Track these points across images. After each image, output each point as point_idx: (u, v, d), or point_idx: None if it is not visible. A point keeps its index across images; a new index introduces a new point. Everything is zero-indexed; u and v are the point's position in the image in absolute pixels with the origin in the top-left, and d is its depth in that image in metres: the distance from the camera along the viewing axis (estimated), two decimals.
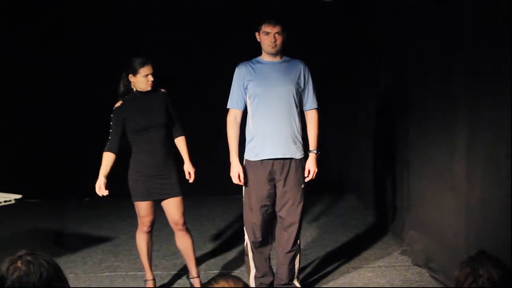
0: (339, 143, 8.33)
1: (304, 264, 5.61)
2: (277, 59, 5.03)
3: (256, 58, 5.07)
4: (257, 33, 5.01)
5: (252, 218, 5.02)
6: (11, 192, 5.23)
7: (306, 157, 5.07)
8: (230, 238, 6.54)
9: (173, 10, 8.07)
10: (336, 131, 8.22)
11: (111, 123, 5.03)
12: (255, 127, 4.98)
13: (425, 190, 5.54)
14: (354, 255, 6.01)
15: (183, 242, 5.19)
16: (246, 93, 5.00)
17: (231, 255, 6.10)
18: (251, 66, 5.02)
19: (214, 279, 2.34)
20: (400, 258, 5.90)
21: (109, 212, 7.55)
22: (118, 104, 5.05)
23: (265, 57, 5.04)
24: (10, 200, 5.10)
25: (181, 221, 5.13)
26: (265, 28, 4.96)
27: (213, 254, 6.15)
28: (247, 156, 5.04)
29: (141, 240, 5.18)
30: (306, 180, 5.06)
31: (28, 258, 2.34)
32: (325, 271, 5.64)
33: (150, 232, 5.18)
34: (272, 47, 4.96)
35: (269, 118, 4.94)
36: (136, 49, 7.84)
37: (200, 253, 6.16)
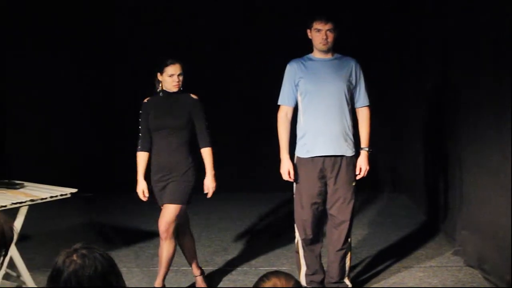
0: (391, 142, 8.25)
1: (355, 263, 5.59)
2: (329, 56, 5.02)
3: (308, 55, 5.06)
4: (308, 30, 5.01)
5: (303, 215, 5.02)
6: (67, 186, 5.32)
7: (357, 154, 5.05)
8: (281, 235, 6.55)
9: (221, 8, 8.08)
10: (388, 130, 8.15)
11: (140, 119, 5.03)
12: (306, 124, 4.98)
13: (478, 190, 5.46)
14: (405, 254, 5.95)
15: (162, 250, 4.97)
16: (297, 90, 5.01)
17: (281, 252, 6.11)
18: (302, 63, 5.02)
19: (266, 276, 2.35)
20: (452, 258, 5.83)
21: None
22: (146, 100, 5.05)
23: (316, 54, 5.03)
24: (66, 194, 5.20)
25: (164, 228, 4.89)
26: (317, 25, 4.95)
27: (263, 251, 6.16)
28: (298, 153, 5.04)
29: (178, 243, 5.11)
30: (357, 178, 5.04)
31: (84, 251, 2.38)
32: (376, 270, 5.61)
33: (184, 234, 5.11)
34: (324, 44, 4.95)
35: (320, 115, 4.93)
36: (188, 46, 7.93)
37: (250, 249, 6.19)
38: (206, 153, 5.00)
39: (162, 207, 5.00)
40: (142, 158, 5.02)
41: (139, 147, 5.03)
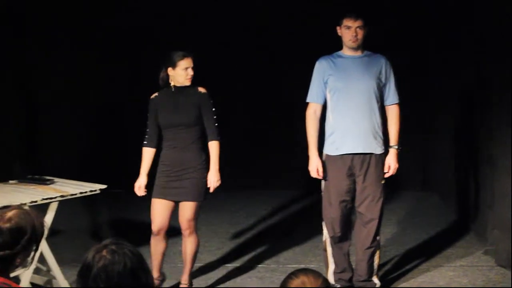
0: (421, 140, 8.19)
1: (383, 261, 5.55)
2: (358, 53, 5.00)
3: (337, 52, 5.05)
4: (338, 27, 4.99)
5: (331, 213, 5.00)
6: (96, 182, 5.36)
7: (386, 152, 5.02)
8: (309, 233, 6.54)
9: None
10: (417, 127, 8.08)
11: (148, 114, 4.97)
12: (335, 121, 4.96)
13: (510, 189, 5.39)
14: (435, 253, 5.90)
15: (185, 247, 5.00)
16: (326, 87, 4.99)
17: (309, 249, 6.10)
18: (331, 60, 5.00)
19: (294, 273, 2.35)
20: (483, 258, 5.76)
21: None
22: (153, 96, 4.96)
23: (346, 52, 5.01)
24: (95, 190, 5.24)
25: (186, 226, 4.91)
26: (347, 22, 4.93)
27: (291, 248, 6.15)
28: (327, 150, 5.02)
29: (152, 243, 5.01)
30: (386, 175, 5.01)
31: (113, 247, 2.40)
32: (405, 268, 5.57)
33: (162, 236, 4.99)
34: (353, 42, 4.93)
35: (349, 112, 4.91)
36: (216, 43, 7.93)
37: (278, 246, 6.18)
38: (214, 147, 4.91)
39: (153, 201, 4.92)
40: (148, 154, 4.97)
41: (145, 142, 4.99)
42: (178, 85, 4.90)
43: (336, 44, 5.03)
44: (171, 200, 4.93)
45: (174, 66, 4.84)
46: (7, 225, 2.73)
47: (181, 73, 4.84)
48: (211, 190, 4.90)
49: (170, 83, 4.90)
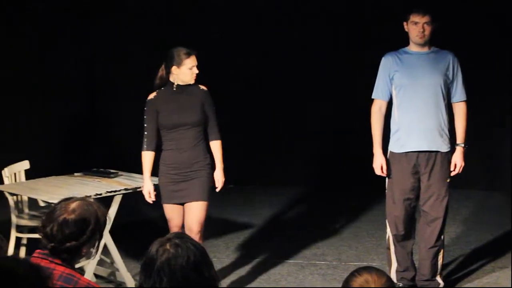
0: (487, 138, 8.01)
1: (447, 261, 5.45)
2: (425, 49, 4.91)
3: (404, 49, 4.97)
4: (405, 23, 4.91)
5: (394, 211, 4.93)
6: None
7: (452, 150, 4.92)
8: (372, 231, 6.47)
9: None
10: (484, 125, 7.91)
11: (145, 116, 4.74)
12: (401, 118, 4.89)
13: None
14: (500, 254, 5.76)
15: None
16: (392, 84, 4.92)
17: (371, 247, 6.04)
18: (397, 56, 4.93)
19: (358, 271, 2.32)
20: None
21: (254, 199, 7.65)
22: (151, 96, 4.74)
23: (412, 48, 4.93)
24: (158, 184, 5.28)
25: (195, 228, 4.69)
26: (414, 18, 4.85)
27: (353, 246, 6.11)
28: (392, 148, 4.96)
29: None
30: (452, 174, 4.91)
31: (177, 241, 2.41)
32: (469, 269, 5.46)
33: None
34: (420, 38, 4.85)
35: (415, 109, 4.84)
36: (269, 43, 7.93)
37: (340, 244, 6.14)
38: (217, 146, 4.82)
39: (167, 207, 4.78)
40: (148, 157, 4.77)
41: (145, 146, 4.76)
42: (181, 83, 4.72)
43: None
44: (180, 203, 4.79)
45: (179, 64, 4.65)
46: (72, 216, 2.78)
47: (186, 72, 4.66)
48: (218, 189, 4.80)
49: (171, 82, 4.71)
